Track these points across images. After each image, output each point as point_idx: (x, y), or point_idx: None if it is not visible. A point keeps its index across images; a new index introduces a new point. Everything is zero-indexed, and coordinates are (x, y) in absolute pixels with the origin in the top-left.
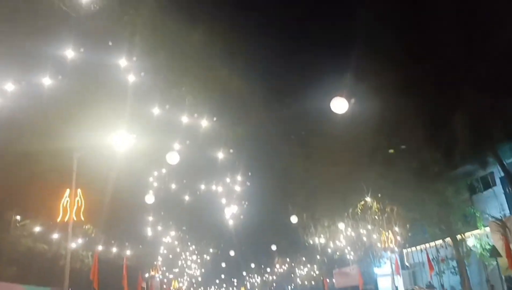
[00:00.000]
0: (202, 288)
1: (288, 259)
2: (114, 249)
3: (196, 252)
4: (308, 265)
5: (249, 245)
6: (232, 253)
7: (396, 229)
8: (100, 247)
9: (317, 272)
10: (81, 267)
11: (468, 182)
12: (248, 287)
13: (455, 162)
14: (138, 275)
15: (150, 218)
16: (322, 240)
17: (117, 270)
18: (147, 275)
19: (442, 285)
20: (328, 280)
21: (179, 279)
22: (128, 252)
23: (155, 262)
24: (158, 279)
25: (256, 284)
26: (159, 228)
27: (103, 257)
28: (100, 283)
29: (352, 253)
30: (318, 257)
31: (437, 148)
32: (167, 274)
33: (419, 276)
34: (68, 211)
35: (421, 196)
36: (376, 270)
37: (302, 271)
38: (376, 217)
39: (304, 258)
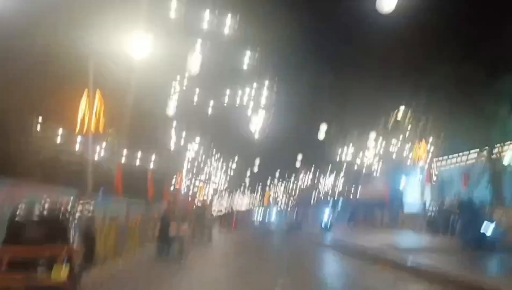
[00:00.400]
0: (227, 192)
1: (311, 173)
2: (138, 161)
3: (221, 161)
4: (333, 178)
5: (275, 157)
6: (257, 161)
7: (430, 140)
8: (123, 158)
9: (342, 184)
10: (106, 174)
11: (510, 94)
12: (272, 195)
13: (498, 72)
14: (164, 187)
15: (174, 129)
16: (350, 153)
17: (143, 177)
18: (173, 183)
19: (472, 199)
20: (353, 191)
21: (205, 187)
22: (152, 164)
23: (180, 173)
24: (184, 186)
25: (279, 192)
26: (183, 139)
27: (127, 165)
28: (126, 190)
29: (380, 165)
30: (344, 168)
31: (480, 56)
32: (193, 181)
33: (447, 189)
34: (87, 119)
35: (459, 107)
36: (403, 184)
37: (325, 185)
38: (409, 128)
39: (329, 172)
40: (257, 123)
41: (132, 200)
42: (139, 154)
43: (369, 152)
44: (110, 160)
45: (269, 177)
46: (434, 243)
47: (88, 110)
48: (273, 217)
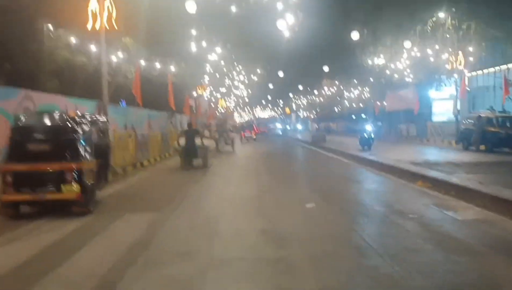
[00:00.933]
0: (249, 107)
1: (337, 82)
2: (158, 65)
3: (243, 72)
4: (359, 88)
5: (299, 66)
6: (280, 74)
7: (470, 48)
8: (142, 62)
9: (368, 95)
10: (125, 82)
11: None
12: (294, 108)
13: None
14: (185, 94)
15: (194, 32)
16: (381, 61)
17: (163, 88)
18: (194, 94)
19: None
20: (379, 103)
21: (226, 99)
22: (172, 69)
23: (201, 81)
24: (206, 98)
25: (302, 106)
26: (204, 44)
27: (146, 74)
28: (146, 101)
29: (411, 75)
30: (371, 79)
31: None
32: (214, 93)
33: (480, 102)
34: (98, 16)
35: (505, 11)
36: (433, 94)
37: (351, 93)
38: (448, 35)
39: (355, 81)
40: (283, 29)
41: (152, 112)
42: (157, 64)
43: (401, 60)
44: (127, 68)
45: (291, 93)
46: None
47: (100, 12)
48: (297, 128)
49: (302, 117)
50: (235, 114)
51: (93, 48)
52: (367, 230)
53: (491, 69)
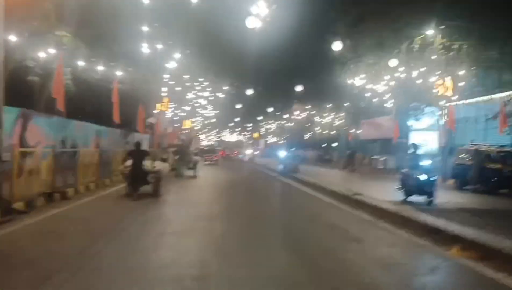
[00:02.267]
0: (216, 130)
1: (308, 106)
2: (100, 68)
3: (208, 89)
4: (333, 114)
5: (270, 85)
6: (249, 92)
7: (460, 73)
8: (81, 63)
9: (341, 121)
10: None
11: None
12: (263, 132)
13: None
14: (139, 107)
15: (145, 29)
16: (362, 81)
17: (107, 104)
18: (154, 111)
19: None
20: (352, 130)
21: (191, 119)
22: (119, 73)
23: (160, 94)
24: (166, 116)
25: (270, 130)
26: (159, 46)
27: (85, 77)
28: (87, 112)
29: (391, 100)
30: (347, 103)
31: None
32: (176, 112)
33: (460, 134)
34: None
35: (504, 32)
36: (411, 124)
37: (324, 119)
38: (435, 56)
39: (329, 105)
40: (253, 24)
41: (102, 127)
42: (100, 67)
43: (382, 82)
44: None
45: (261, 116)
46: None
47: None
48: (265, 154)
49: (271, 142)
50: (201, 136)
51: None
52: None
53: (474, 99)
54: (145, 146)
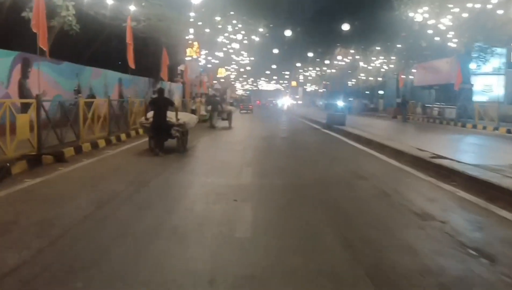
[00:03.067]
0: (252, 79)
1: (352, 51)
2: (111, 1)
3: (242, 32)
4: (381, 58)
5: (310, 25)
6: (287, 33)
7: None
8: None
9: (391, 66)
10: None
11: None
12: (301, 80)
13: None
14: (163, 51)
15: None
16: (421, 17)
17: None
18: (186, 59)
19: None
20: (404, 76)
21: (226, 67)
22: (134, 8)
23: (187, 38)
24: (199, 63)
25: (310, 78)
26: None
27: (93, 14)
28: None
29: (455, 40)
30: (399, 45)
31: None
32: (209, 59)
33: None
34: None
35: None
36: (474, 67)
37: (369, 64)
38: None
39: (378, 48)
40: None
41: (125, 76)
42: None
43: (446, 17)
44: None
45: (298, 62)
46: None
47: None
48: (304, 104)
49: (311, 89)
50: (237, 85)
51: None
52: None
53: None
54: (176, 96)
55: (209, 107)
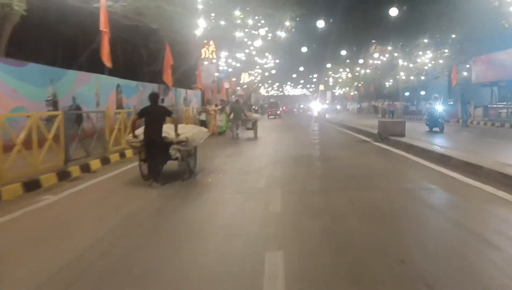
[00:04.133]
0: (277, 84)
1: (390, 48)
2: None
3: (265, 27)
4: (428, 52)
5: (343, 19)
6: (320, 24)
7: None
8: None
9: (440, 62)
10: None
11: None
12: (331, 83)
13: None
14: (165, 48)
15: None
16: None
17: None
18: (205, 62)
19: None
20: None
21: (249, 72)
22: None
23: (198, 33)
24: (218, 65)
25: (340, 80)
26: None
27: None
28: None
29: None
30: (453, 36)
31: None
32: (230, 61)
33: None
34: None
35: None
36: None
37: (411, 61)
38: None
39: (425, 40)
40: None
41: (127, 81)
42: None
43: None
44: None
45: (328, 62)
46: None
47: None
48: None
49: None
50: (261, 91)
51: None
52: None
53: None
54: (194, 104)
55: (232, 116)
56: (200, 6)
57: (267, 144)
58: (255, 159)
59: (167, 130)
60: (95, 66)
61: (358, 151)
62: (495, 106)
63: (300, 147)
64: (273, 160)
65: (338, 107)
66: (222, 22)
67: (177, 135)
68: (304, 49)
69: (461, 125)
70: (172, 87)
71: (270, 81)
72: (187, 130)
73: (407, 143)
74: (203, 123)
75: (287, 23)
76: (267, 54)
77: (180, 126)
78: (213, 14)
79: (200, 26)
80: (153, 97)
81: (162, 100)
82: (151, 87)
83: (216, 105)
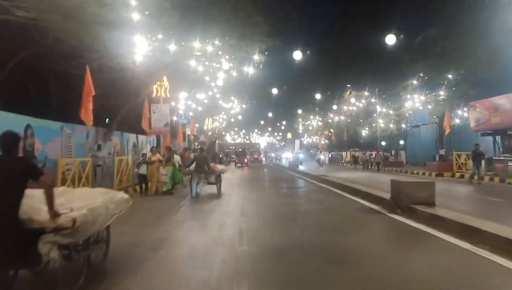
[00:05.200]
0: (243, 131)
1: (366, 92)
2: None
3: (230, 63)
4: (416, 96)
5: (314, 60)
6: (297, 55)
7: None
8: None
9: (429, 107)
10: None
11: None
12: (300, 131)
13: None
14: (86, 70)
15: None
16: None
17: None
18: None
19: None
20: (449, 119)
21: (213, 118)
22: None
23: (138, 59)
24: (167, 105)
25: (311, 128)
26: None
27: None
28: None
29: None
30: (450, 75)
31: None
32: (189, 103)
33: None
34: None
35: None
36: None
37: (389, 107)
38: None
39: (415, 82)
40: None
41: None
42: None
43: None
44: None
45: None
46: None
47: None
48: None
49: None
50: (227, 138)
51: None
52: None
53: None
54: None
55: (192, 167)
56: (135, 17)
57: (234, 204)
58: (208, 237)
59: (35, 205)
60: None
61: (378, 237)
62: (502, 158)
63: (280, 222)
64: (238, 227)
65: (301, 156)
66: (172, 46)
67: (54, 214)
68: (274, 91)
69: (476, 181)
70: (118, 131)
71: (236, 129)
72: (80, 201)
73: (454, 220)
74: (143, 178)
75: (256, 57)
76: (232, 98)
77: (67, 191)
78: (160, 36)
79: (138, 45)
80: (6, 140)
81: (96, 148)
82: (84, 129)
83: (164, 155)
